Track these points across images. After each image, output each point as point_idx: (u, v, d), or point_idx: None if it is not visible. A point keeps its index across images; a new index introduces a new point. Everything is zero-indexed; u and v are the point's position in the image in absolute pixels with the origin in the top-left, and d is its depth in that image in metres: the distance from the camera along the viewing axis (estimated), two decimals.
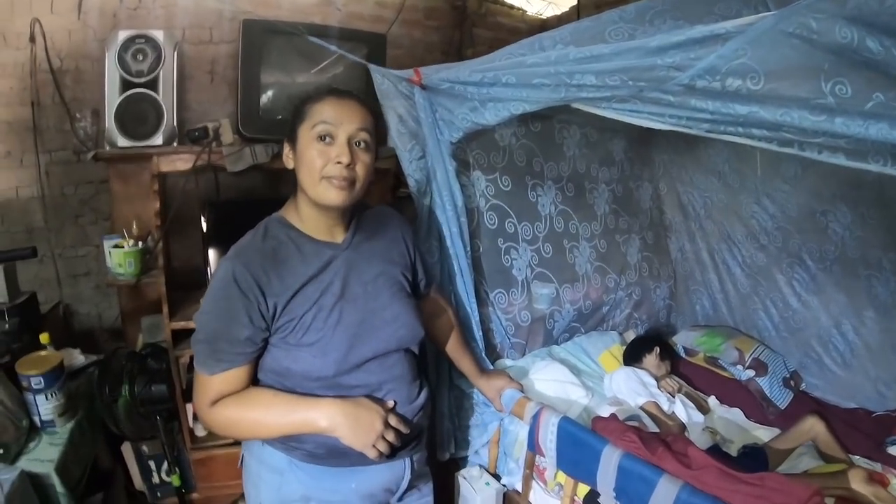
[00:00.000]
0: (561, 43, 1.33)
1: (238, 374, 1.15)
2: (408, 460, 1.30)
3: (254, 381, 1.20)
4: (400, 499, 1.34)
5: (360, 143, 1.16)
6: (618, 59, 1.15)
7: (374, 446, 1.14)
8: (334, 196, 1.14)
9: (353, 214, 1.28)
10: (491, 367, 1.93)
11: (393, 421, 1.19)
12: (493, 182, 2.13)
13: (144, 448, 2.23)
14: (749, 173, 2.53)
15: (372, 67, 1.79)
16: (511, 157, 2.21)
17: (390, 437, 1.17)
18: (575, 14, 3.00)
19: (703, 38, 1.02)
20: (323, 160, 1.13)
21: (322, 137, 1.14)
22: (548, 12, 3.19)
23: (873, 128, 0.88)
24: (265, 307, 1.12)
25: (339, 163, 1.12)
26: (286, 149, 1.21)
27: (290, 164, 1.21)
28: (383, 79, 1.75)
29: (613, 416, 1.67)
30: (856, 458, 1.91)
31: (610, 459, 1.40)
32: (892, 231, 2.18)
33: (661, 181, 2.87)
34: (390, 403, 1.22)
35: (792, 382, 2.37)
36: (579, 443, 1.49)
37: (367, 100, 1.26)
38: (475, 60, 1.53)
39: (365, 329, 1.20)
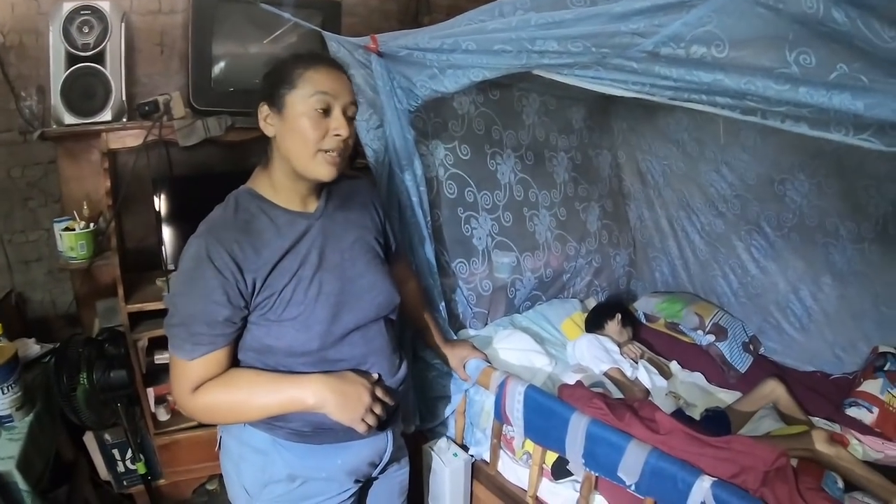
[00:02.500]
0: (521, 9, 1.28)
1: (218, 356, 1.09)
2: (389, 433, 1.31)
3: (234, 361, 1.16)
4: (381, 471, 1.35)
5: (350, 116, 1.14)
6: (580, 25, 1.12)
7: (362, 420, 1.13)
8: (327, 171, 1.12)
9: (325, 183, 1.24)
10: (454, 337, 1.93)
11: (379, 393, 1.18)
12: (451, 151, 2.11)
13: (107, 436, 2.18)
14: (708, 142, 2.56)
15: (327, 35, 1.73)
16: (470, 126, 2.19)
17: (378, 409, 1.15)
18: None
19: (667, 5, 1.00)
20: (320, 132, 1.09)
21: (322, 109, 1.10)
22: None
23: (836, 98, 0.88)
24: (243, 284, 1.07)
25: (336, 135, 1.10)
26: (264, 113, 1.13)
27: (269, 132, 1.13)
28: (339, 46, 1.70)
29: (579, 383, 1.68)
30: (816, 419, 1.97)
31: (578, 427, 1.41)
32: (850, 200, 2.22)
33: (619, 149, 2.89)
34: (375, 376, 1.21)
35: (751, 347, 2.43)
36: (546, 411, 1.50)
37: None
38: (434, 27, 1.48)
39: (345, 298, 1.18)
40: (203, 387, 1.09)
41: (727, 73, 1.00)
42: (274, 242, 1.12)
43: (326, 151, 1.11)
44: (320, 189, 1.22)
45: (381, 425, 1.21)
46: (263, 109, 1.13)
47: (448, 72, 1.49)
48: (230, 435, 1.23)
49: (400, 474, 1.42)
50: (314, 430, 1.17)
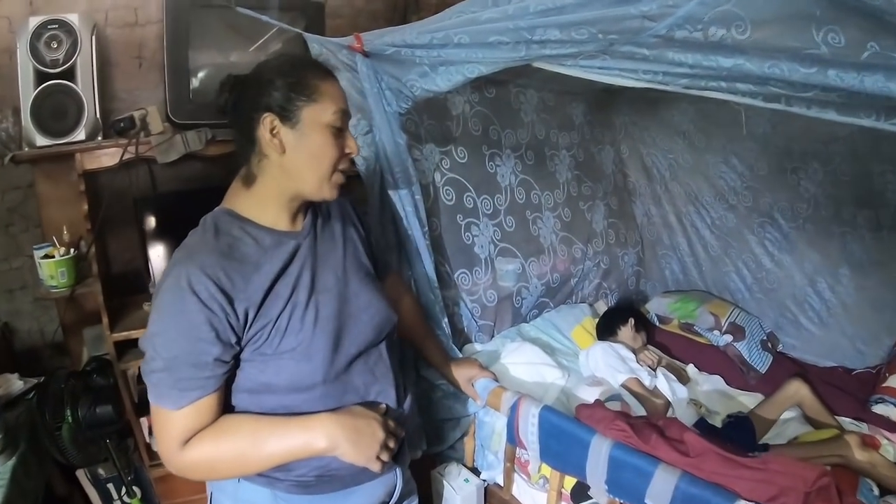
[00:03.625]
0: None
1: (210, 402, 0.97)
2: (398, 468, 1.20)
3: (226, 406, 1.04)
4: None
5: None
6: (584, 9, 1.04)
7: (377, 458, 1.03)
8: (336, 191, 1.07)
9: None
10: (459, 355, 1.83)
11: (391, 425, 1.08)
12: (447, 154, 2.03)
13: (101, 471, 2.07)
14: (716, 132, 2.50)
15: (308, 37, 1.64)
16: (466, 127, 2.11)
17: (392, 443, 1.06)
18: None
19: None
20: (339, 152, 1.05)
21: (338, 128, 1.04)
22: None
23: (868, 80, 0.81)
24: (234, 317, 0.96)
25: (348, 154, 1.07)
26: (269, 125, 1.00)
27: (275, 147, 1.00)
28: (321, 48, 1.61)
29: (598, 402, 1.59)
30: (842, 419, 1.90)
31: (599, 451, 1.31)
32: (866, 187, 2.17)
33: (622, 144, 2.83)
34: (383, 407, 1.12)
35: (769, 344, 2.36)
36: (564, 434, 1.40)
37: None
38: (422, 21, 1.40)
39: (344, 321, 1.08)
40: (195, 439, 0.96)
41: (749, 56, 0.92)
42: (263, 266, 1.01)
43: (342, 172, 1.07)
44: (307, 206, 1.13)
45: (393, 459, 1.11)
46: (268, 121, 1.00)
47: (440, 69, 1.41)
48: (223, 493, 1.11)
49: None
50: (318, 479, 1.06)
